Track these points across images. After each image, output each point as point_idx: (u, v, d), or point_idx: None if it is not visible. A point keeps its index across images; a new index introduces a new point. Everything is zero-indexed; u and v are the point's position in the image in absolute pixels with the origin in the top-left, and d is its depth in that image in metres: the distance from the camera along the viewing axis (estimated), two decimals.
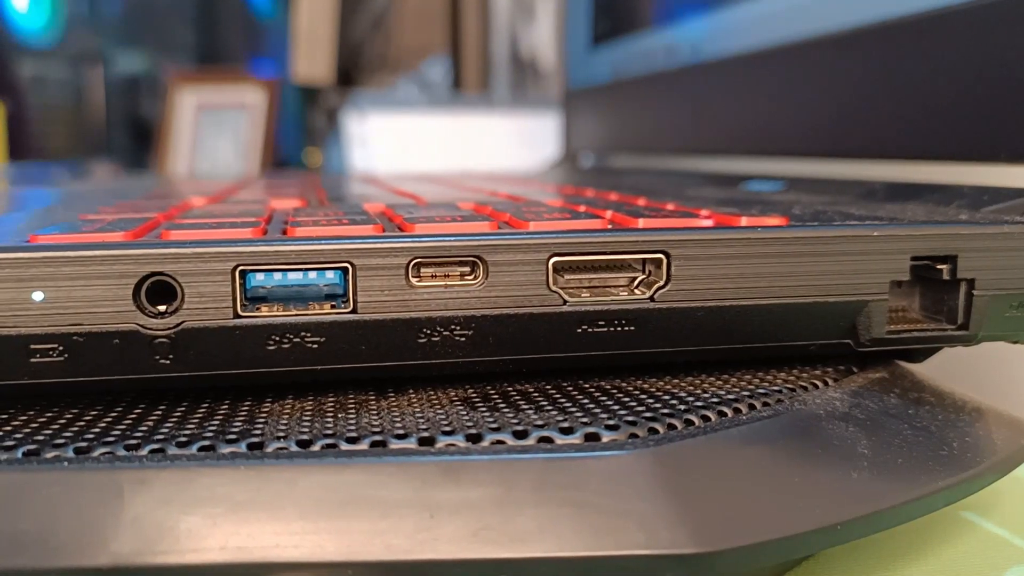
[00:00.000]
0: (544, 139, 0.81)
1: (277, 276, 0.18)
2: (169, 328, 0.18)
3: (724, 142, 0.42)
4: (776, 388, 0.21)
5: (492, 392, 0.20)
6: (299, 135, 1.31)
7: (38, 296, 0.17)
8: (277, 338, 0.18)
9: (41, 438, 0.17)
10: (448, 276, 0.19)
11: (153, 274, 0.17)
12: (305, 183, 0.47)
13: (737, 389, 0.20)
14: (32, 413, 0.19)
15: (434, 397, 0.20)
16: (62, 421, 0.18)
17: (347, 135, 0.88)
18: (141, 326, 0.18)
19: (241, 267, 0.18)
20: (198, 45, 1.47)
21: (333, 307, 0.18)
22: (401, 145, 0.84)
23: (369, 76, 1.12)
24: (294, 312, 0.18)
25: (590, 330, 0.19)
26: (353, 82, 1.12)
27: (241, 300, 0.18)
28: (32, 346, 0.17)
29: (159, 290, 0.18)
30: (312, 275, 0.18)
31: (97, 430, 0.18)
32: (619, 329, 0.19)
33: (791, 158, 0.38)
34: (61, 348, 0.17)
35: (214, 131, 1.17)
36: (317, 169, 1.15)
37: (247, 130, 1.15)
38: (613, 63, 0.57)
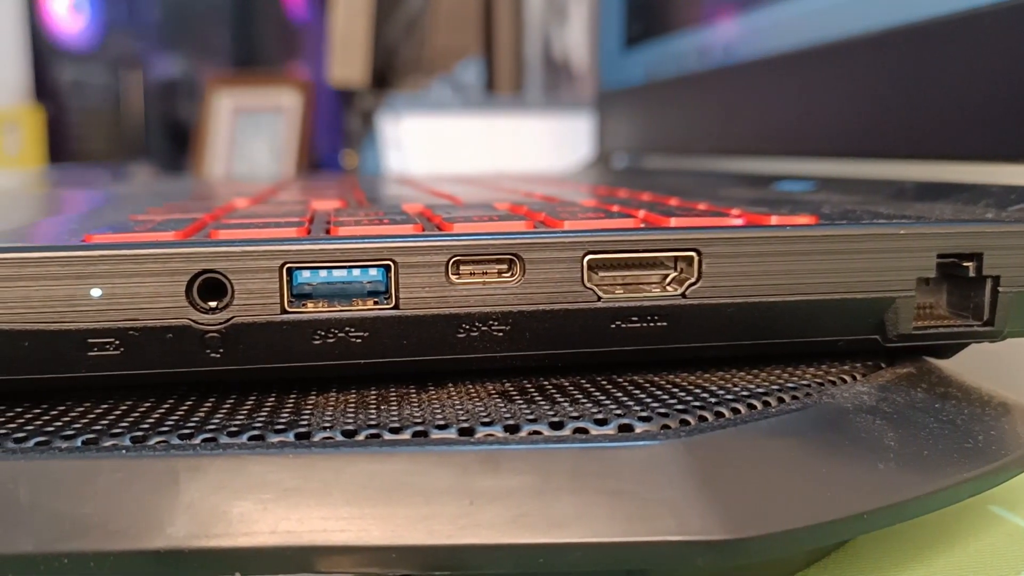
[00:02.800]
0: (577, 140, 0.81)
1: (322, 273, 0.19)
2: (220, 323, 0.18)
3: (756, 143, 0.43)
4: (805, 382, 0.21)
5: (528, 385, 0.20)
6: (335, 137, 1.32)
7: (96, 292, 0.18)
8: (322, 333, 0.19)
9: (99, 428, 0.18)
10: (486, 273, 0.19)
11: (204, 271, 0.18)
12: (343, 184, 0.48)
13: (767, 383, 0.21)
14: (89, 404, 0.19)
15: (473, 390, 0.20)
16: (118, 412, 0.19)
17: (382, 137, 0.89)
18: (193, 321, 0.18)
19: (288, 265, 0.18)
20: (235, 48, 1.48)
21: (376, 303, 0.19)
22: (435, 146, 0.85)
23: (403, 78, 1.12)
24: (338, 308, 0.19)
25: (623, 326, 0.20)
26: (388, 84, 1.12)
27: (288, 296, 0.19)
28: (90, 340, 0.18)
29: (210, 287, 0.18)
30: (356, 272, 0.19)
31: (152, 420, 0.18)
32: (651, 325, 0.20)
33: (822, 158, 0.38)
34: (117, 342, 0.18)
35: (251, 133, 1.18)
36: (353, 171, 1.16)
37: (283, 132, 1.17)
38: (646, 65, 0.58)
